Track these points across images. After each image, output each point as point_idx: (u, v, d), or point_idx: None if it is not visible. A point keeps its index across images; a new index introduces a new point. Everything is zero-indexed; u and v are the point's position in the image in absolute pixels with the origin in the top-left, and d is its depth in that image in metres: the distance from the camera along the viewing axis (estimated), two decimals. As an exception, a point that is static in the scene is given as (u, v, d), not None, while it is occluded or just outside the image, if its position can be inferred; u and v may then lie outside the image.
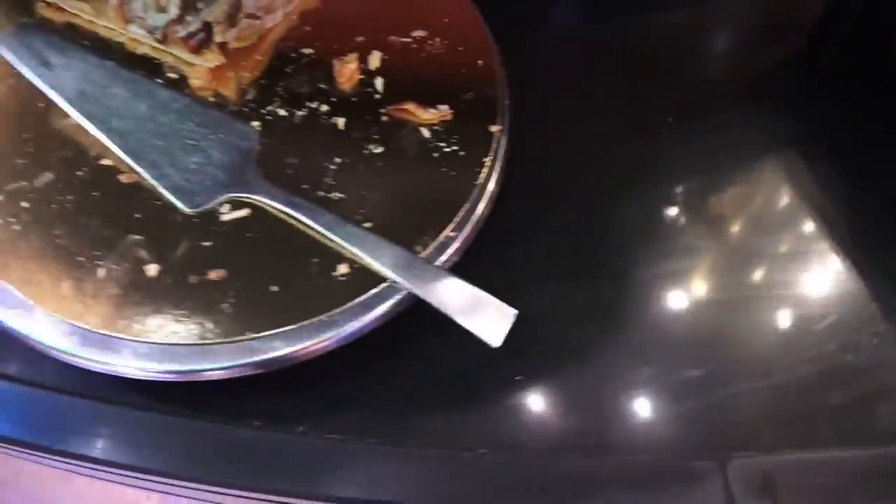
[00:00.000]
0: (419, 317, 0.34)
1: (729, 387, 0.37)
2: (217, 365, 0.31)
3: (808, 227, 0.41)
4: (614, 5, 0.50)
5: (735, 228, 0.41)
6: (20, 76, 0.36)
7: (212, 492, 0.34)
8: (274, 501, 0.34)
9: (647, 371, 0.37)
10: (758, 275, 0.40)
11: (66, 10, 0.39)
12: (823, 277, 0.40)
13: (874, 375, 0.38)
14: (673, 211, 0.41)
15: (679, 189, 0.42)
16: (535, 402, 0.36)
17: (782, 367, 0.38)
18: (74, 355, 0.31)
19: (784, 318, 0.39)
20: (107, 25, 0.38)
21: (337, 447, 0.33)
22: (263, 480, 0.32)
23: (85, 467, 0.34)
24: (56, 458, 0.33)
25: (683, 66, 0.47)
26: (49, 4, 0.39)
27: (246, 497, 0.34)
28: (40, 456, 0.34)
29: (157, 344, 0.31)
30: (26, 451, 0.33)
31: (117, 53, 0.38)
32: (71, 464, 0.34)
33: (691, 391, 0.37)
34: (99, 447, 0.32)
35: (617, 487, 0.35)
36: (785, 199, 0.42)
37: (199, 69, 0.37)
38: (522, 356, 0.35)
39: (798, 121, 0.44)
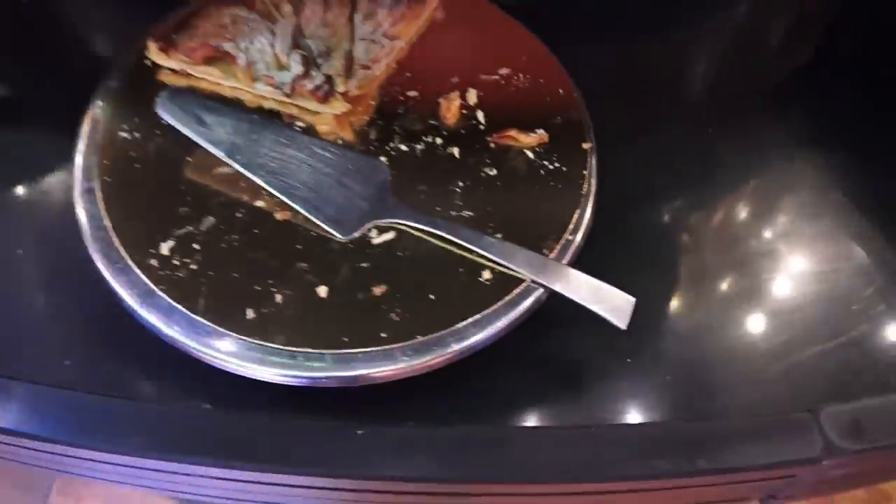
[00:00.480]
0: (548, 316, 0.39)
1: (806, 350, 0.43)
2: (393, 367, 0.36)
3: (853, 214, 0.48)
4: (644, 30, 0.57)
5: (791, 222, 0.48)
6: (177, 133, 0.41)
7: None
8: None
9: (737, 343, 0.43)
10: (808, 257, 0.47)
11: (191, 76, 0.44)
12: (858, 252, 0.47)
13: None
14: (737, 207, 0.48)
15: (738, 187, 0.49)
16: (648, 377, 0.42)
17: (845, 328, 0.44)
18: (266, 373, 0.35)
19: (838, 290, 0.45)
20: (233, 86, 0.43)
21: (508, 434, 0.38)
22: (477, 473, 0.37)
23: (282, 485, 0.38)
24: (269, 473, 0.37)
25: (720, 76, 0.54)
26: (175, 72, 0.44)
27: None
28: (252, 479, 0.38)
29: (339, 354, 0.35)
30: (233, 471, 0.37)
31: (245, 109, 0.43)
32: (279, 484, 0.38)
33: (779, 356, 0.43)
34: (301, 459, 0.36)
35: (730, 443, 0.40)
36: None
37: (326, 117, 0.42)
38: (633, 339, 0.41)
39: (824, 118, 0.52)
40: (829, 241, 0.47)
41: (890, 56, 0.50)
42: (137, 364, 0.40)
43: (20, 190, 0.46)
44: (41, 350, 0.41)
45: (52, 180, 0.45)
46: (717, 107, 0.53)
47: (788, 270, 0.46)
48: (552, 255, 0.39)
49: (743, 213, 0.48)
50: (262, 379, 0.36)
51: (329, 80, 0.42)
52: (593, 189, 0.42)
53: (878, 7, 0.47)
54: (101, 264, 0.38)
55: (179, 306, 0.36)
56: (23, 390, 0.39)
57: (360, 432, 0.36)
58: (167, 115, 0.41)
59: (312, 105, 0.42)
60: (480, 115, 0.44)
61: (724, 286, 0.45)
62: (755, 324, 0.44)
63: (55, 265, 0.43)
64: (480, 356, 0.38)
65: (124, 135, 0.42)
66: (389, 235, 0.39)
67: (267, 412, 0.38)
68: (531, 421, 0.40)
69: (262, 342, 0.36)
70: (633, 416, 0.41)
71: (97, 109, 0.43)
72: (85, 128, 0.42)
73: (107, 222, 0.39)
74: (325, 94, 0.41)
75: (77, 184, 0.40)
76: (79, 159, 0.41)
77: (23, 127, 0.48)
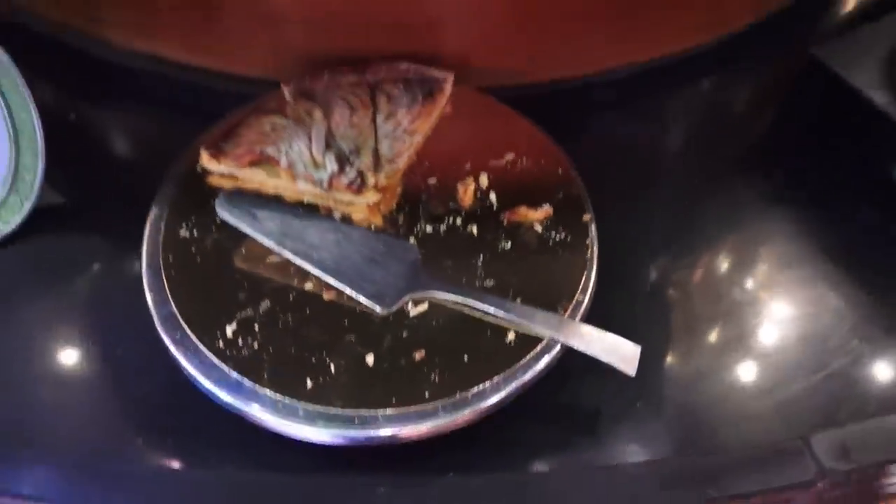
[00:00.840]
0: (565, 368, 0.45)
1: (793, 385, 0.49)
2: (435, 422, 0.41)
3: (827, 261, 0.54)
4: (627, 108, 0.64)
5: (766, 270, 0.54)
6: (230, 228, 0.47)
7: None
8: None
9: (732, 383, 0.49)
10: (787, 303, 0.53)
11: (237, 178, 0.50)
12: (831, 295, 0.53)
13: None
14: (721, 260, 0.54)
15: (721, 242, 0.55)
16: (656, 418, 0.47)
17: (826, 363, 0.50)
18: (327, 435, 0.41)
19: (816, 330, 0.51)
20: (277, 185, 0.49)
21: (538, 479, 0.43)
22: None
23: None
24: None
25: (698, 144, 0.61)
26: (223, 175, 0.50)
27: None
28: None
29: (390, 414, 0.41)
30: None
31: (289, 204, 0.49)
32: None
33: (770, 392, 0.48)
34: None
35: (735, 473, 0.46)
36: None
37: (360, 206, 0.48)
38: (640, 385, 0.46)
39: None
40: (804, 287, 0.53)
41: (844, 120, 0.57)
42: (206, 436, 0.45)
43: (91, 289, 0.51)
44: (119, 430, 0.46)
45: (121, 278, 0.51)
46: (698, 171, 0.60)
47: (771, 315, 0.52)
48: (566, 315, 0.45)
49: (727, 265, 0.55)
50: (320, 442, 0.41)
51: (361, 174, 0.48)
52: (596, 253, 0.48)
53: (829, 80, 0.55)
54: (173, 349, 0.43)
55: (246, 381, 0.42)
56: (103, 469, 0.44)
57: (417, 485, 0.41)
58: (225, 213, 0.47)
59: (347, 197, 0.48)
60: (493, 196, 0.50)
61: (715, 332, 0.51)
62: (746, 364, 0.50)
63: (128, 355, 0.48)
64: (507, 408, 0.43)
65: (184, 233, 0.48)
66: (424, 307, 0.45)
67: (318, 473, 0.43)
68: (557, 465, 0.46)
69: (322, 408, 0.41)
70: (646, 454, 0.46)
71: (158, 212, 0.49)
72: (148, 229, 0.48)
73: (175, 311, 0.44)
74: (359, 187, 0.48)
75: (145, 279, 0.46)
76: (145, 258, 0.47)
77: (89, 233, 0.54)
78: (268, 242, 0.46)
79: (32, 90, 0.51)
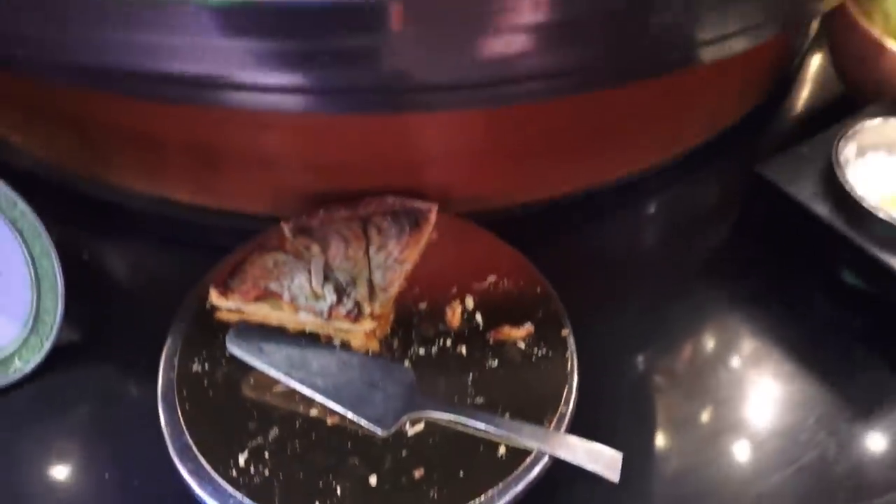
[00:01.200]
0: (554, 478, 0.48)
1: (771, 477, 0.53)
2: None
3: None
4: (595, 224, 0.70)
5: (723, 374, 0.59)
6: (239, 361, 0.51)
7: None
8: None
9: (713, 477, 0.53)
10: (756, 399, 0.57)
11: (244, 312, 0.54)
12: (796, 391, 0.57)
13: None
14: (692, 362, 0.59)
15: (689, 345, 0.60)
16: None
17: (798, 455, 0.54)
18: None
19: (786, 424, 0.55)
20: (280, 317, 0.54)
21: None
22: None
23: None
24: None
25: (663, 253, 0.67)
26: (231, 310, 0.55)
27: None
28: None
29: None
30: None
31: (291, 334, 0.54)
32: None
33: (750, 483, 0.52)
34: None
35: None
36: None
37: (357, 334, 0.53)
38: (625, 488, 0.50)
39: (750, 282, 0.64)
40: (772, 382, 0.57)
41: (793, 229, 0.63)
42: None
43: (107, 421, 0.55)
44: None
45: (137, 410, 0.54)
46: (664, 278, 0.65)
47: (744, 411, 0.56)
48: (552, 426, 0.49)
49: (698, 365, 0.59)
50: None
51: (358, 304, 0.53)
52: (576, 366, 0.52)
53: (775, 194, 0.61)
54: (189, 479, 0.46)
55: (259, 507, 0.45)
56: None
57: None
58: (235, 348, 0.51)
59: (346, 325, 0.53)
60: (479, 317, 0.55)
61: (694, 430, 0.55)
62: (726, 460, 0.54)
63: (144, 485, 0.51)
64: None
65: (196, 367, 0.52)
66: (420, 426, 0.49)
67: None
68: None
69: (329, 529, 0.44)
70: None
71: (171, 349, 0.53)
72: (162, 365, 0.52)
73: (190, 442, 0.48)
74: (356, 316, 0.52)
75: (161, 414, 0.49)
76: (160, 392, 0.50)
77: (104, 367, 0.58)
78: (275, 374, 0.50)
79: (49, 232, 0.56)
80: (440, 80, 0.42)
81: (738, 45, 0.50)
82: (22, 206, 0.55)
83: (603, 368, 0.56)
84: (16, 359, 0.57)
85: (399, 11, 0.33)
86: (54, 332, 0.57)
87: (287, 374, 0.50)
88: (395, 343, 0.53)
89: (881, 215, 0.56)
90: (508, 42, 0.38)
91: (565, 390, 0.50)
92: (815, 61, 0.86)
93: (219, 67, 0.36)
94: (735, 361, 0.60)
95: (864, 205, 0.57)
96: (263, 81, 0.38)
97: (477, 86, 0.44)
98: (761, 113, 0.77)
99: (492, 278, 0.57)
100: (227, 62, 0.35)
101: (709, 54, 0.50)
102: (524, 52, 0.41)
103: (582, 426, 0.50)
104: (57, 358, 0.57)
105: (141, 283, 0.66)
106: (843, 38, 0.72)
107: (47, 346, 0.57)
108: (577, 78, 0.47)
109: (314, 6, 0.31)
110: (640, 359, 0.59)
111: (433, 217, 0.59)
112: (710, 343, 0.61)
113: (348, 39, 0.33)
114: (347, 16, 0.32)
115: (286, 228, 0.58)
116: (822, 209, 0.59)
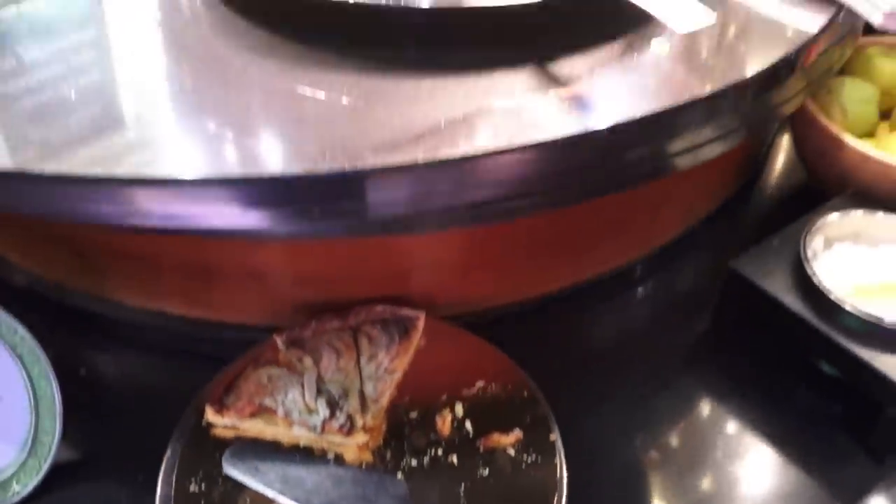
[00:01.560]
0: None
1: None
2: None
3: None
4: (575, 318, 0.72)
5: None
6: (235, 480, 0.52)
7: None
8: None
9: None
10: (740, 489, 0.58)
11: (239, 428, 0.56)
12: (780, 480, 0.59)
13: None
14: (677, 453, 0.60)
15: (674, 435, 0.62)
16: None
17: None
18: None
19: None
20: (275, 433, 0.55)
21: None
22: None
23: None
24: None
25: (644, 347, 0.69)
26: (226, 427, 0.56)
27: None
28: None
29: None
30: None
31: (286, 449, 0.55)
32: None
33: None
34: None
35: None
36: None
37: (350, 447, 0.54)
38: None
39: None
40: (758, 474, 0.59)
41: (767, 321, 0.66)
42: None
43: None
44: None
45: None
46: (647, 371, 0.67)
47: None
48: (545, 532, 0.50)
49: (686, 458, 0.60)
50: None
51: (350, 418, 0.54)
52: (565, 472, 0.53)
53: (747, 287, 0.63)
54: None
55: None
56: None
57: None
58: (231, 469, 0.52)
59: (339, 439, 0.54)
60: (468, 425, 0.56)
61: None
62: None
63: None
64: None
65: (193, 487, 0.53)
66: (415, 540, 0.50)
67: None
68: None
69: None
70: None
71: (168, 468, 0.54)
72: (160, 486, 0.53)
73: (190, 565, 0.49)
74: (349, 430, 0.54)
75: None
76: (158, 512, 0.52)
77: (100, 484, 0.58)
78: (271, 494, 0.51)
79: (46, 350, 0.57)
80: (420, 212, 0.44)
81: (711, 152, 0.54)
82: (22, 332, 0.57)
83: (590, 461, 0.57)
84: (14, 482, 0.58)
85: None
86: (52, 453, 0.57)
87: (282, 492, 0.51)
88: (388, 454, 0.55)
89: (847, 307, 0.58)
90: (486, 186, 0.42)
91: (555, 498, 0.52)
92: (784, 144, 0.91)
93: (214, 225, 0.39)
94: (720, 455, 0.61)
95: (832, 297, 0.59)
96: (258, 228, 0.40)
97: (456, 209, 0.48)
98: (733, 202, 0.81)
99: (480, 383, 0.59)
100: (224, 221, 0.38)
101: (683, 163, 0.54)
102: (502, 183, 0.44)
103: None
104: (54, 478, 0.58)
105: (138, 396, 0.67)
106: (803, 133, 0.76)
107: (45, 467, 0.57)
108: (554, 196, 0.50)
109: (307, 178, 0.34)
110: (627, 453, 0.61)
111: (421, 324, 0.61)
112: (695, 435, 0.63)
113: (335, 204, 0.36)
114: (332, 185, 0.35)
115: (279, 341, 0.60)
116: (793, 302, 0.61)
